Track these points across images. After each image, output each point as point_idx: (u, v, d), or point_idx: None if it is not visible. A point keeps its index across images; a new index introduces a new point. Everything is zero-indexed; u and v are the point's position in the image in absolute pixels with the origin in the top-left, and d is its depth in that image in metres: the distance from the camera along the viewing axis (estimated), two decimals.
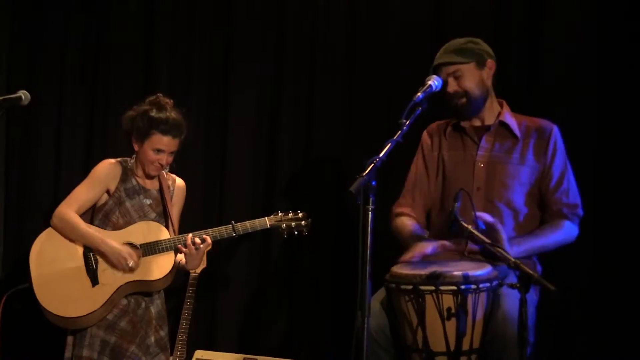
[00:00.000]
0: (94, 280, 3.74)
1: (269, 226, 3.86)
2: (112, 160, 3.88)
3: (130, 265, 3.72)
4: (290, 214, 3.89)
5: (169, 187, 3.94)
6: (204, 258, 4.32)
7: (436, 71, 3.54)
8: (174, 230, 3.87)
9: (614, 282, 4.03)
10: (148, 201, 3.86)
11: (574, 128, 4.03)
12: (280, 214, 3.89)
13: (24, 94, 3.30)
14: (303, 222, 3.88)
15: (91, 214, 3.87)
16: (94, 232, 3.78)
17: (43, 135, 4.82)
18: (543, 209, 3.60)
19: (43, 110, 4.77)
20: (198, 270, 4.31)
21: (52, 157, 4.82)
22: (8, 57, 4.83)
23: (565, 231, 3.56)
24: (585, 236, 3.82)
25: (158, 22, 4.79)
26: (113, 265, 3.74)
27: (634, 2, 4.06)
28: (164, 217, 3.88)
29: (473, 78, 3.56)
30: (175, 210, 3.95)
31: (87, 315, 3.69)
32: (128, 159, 3.89)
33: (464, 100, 3.56)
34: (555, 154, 3.58)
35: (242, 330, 4.63)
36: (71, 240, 3.78)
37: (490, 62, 3.59)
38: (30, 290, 3.75)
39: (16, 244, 4.76)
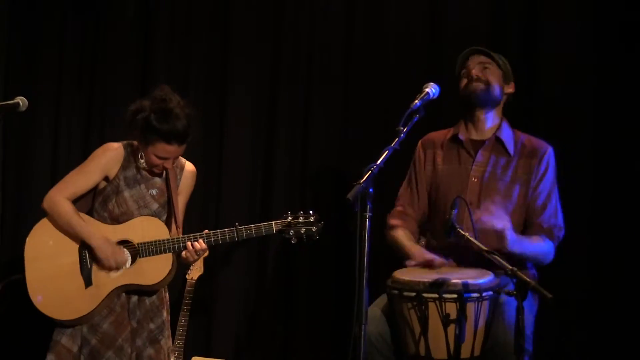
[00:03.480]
0: (88, 281, 3.63)
1: (275, 232, 3.62)
2: (116, 145, 3.70)
3: (112, 265, 3.59)
4: (300, 218, 3.62)
5: (176, 176, 3.75)
6: (201, 264, 4.32)
7: (463, 62, 3.65)
8: (176, 224, 3.72)
9: (612, 290, 4.03)
10: (153, 191, 3.70)
11: (570, 137, 4.06)
12: (289, 218, 3.63)
13: (21, 101, 3.29)
14: (314, 228, 3.61)
15: (93, 196, 3.72)
16: (84, 224, 3.63)
17: (41, 137, 4.80)
18: (527, 226, 3.60)
19: (40, 112, 4.75)
20: (195, 277, 4.31)
21: (48, 159, 4.80)
22: (5, 60, 4.81)
23: (547, 248, 3.56)
24: (581, 243, 3.84)
25: (155, 26, 4.78)
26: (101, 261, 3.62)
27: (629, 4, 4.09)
28: (167, 210, 3.73)
29: (497, 80, 3.65)
30: (181, 199, 3.77)
31: (77, 318, 3.62)
32: (134, 142, 3.68)
33: (482, 86, 3.62)
34: (545, 175, 3.59)
35: (239, 336, 4.62)
36: (62, 229, 3.65)
37: (513, 86, 3.70)
38: (23, 282, 3.65)
39: (13, 247, 4.74)
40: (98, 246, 3.61)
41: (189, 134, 3.59)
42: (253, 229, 3.61)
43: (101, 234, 3.64)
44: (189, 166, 3.82)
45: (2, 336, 4.56)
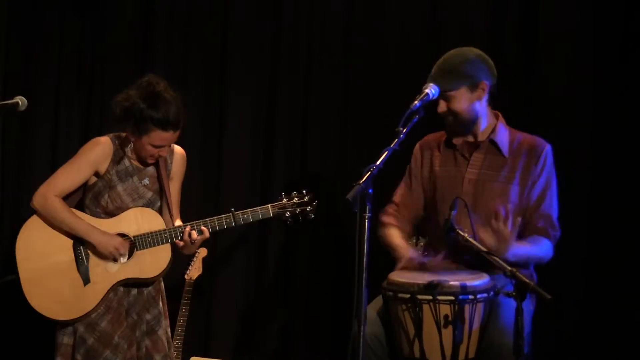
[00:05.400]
0: (85, 279, 3.56)
1: (271, 215, 3.60)
2: (104, 139, 3.63)
3: (121, 254, 3.54)
4: (295, 199, 3.62)
5: (166, 161, 3.69)
6: (200, 264, 4.32)
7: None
8: (169, 211, 3.67)
9: (610, 290, 4.04)
10: (145, 181, 3.64)
11: (569, 135, 4.07)
12: (284, 200, 3.62)
13: (20, 100, 3.27)
14: (309, 207, 3.60)
15: (82, 192, 3.66)
16: (79, 220, 3.56)
17: (40, 136, 4.79)
18: (524, 226, 3.57)
19: (39, 111, 4.74)
20: (194, 277, 4.31)
21: (48, 159, 4.77)
22: (5, 59, 4.80)
23: (544, 249, 3.52)
24: (579, 243, 3.84)
25: (154, 25, 4.78)
26: (104, 258, 3.56)
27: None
28: (160, 196, 3.68)
29: (463, 101, 3.50)
30: (175, 184, 3.73)
31: (80, 317, 3.54)
32: (122, 134, 3.63)
33: (451, 119, 3.54)
34: (542, 172, 3.55)
35: (237, 337, 4.63)
36: (55, 226, 3.57)
37: (483, 84, 3.50)
38: (17, 283, 3.58)
39: (12, 245, 4.72)
40: (99, 242, 3.55)
41: (181, 119, 3.54)
42: (250, 214, 3.59)
43: (98, 228, 3.58)
44: (177, 149, 3.76)
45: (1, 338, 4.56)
